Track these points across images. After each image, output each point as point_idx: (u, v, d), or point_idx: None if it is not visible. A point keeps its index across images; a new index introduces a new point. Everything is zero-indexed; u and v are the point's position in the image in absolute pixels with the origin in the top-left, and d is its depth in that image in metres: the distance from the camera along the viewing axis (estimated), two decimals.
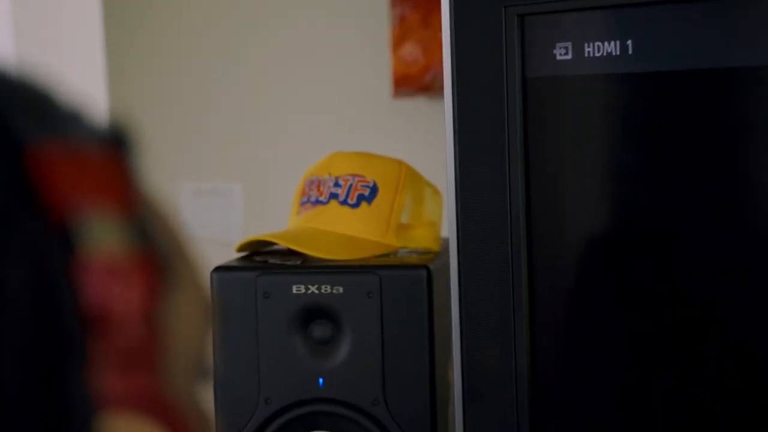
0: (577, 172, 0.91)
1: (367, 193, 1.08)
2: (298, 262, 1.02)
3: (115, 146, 0.37)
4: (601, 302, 0.90)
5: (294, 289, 0.98)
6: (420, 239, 1.09)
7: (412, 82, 1.68)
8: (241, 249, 1.08)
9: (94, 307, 0.34)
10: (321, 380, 0.98)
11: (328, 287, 0.97)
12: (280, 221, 1.16)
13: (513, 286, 0.89)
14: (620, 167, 0.90)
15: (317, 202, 1.09)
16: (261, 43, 1.86)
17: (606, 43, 0.87)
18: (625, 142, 0.91)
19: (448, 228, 0.92)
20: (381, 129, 1.74)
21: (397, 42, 1.68)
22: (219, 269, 1.00)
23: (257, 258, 1.05)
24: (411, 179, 1.12)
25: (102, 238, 0.34)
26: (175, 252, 0.38)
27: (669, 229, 0.87)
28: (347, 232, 1.07)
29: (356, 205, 1.08)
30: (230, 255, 1.08)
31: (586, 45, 0.87)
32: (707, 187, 0.85)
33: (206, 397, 0.40)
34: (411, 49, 1.66)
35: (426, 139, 1.60)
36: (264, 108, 1.87)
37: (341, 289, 0.97)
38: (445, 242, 0.98)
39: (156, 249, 0.36)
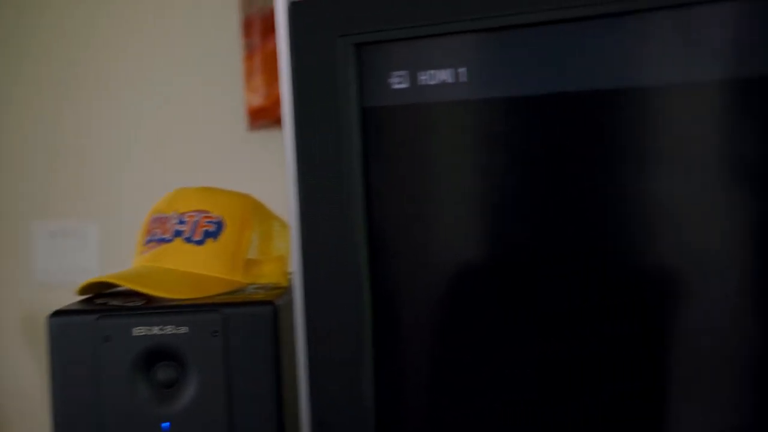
0: (418, 202, 0.91)
1: (212, 229, 1.06)
2: (141, 303, 0.98)
3: None
4: (446, 332, 0.89)
5: (136, 331, 0.94)
6: (268, 275, 1.07)
7: (267, 114, 1.66)
8: (82, 291, 1.05)
9: None
10: (167, 425, 0.94)
11: (172, 327, 0.95)
12: None
13: (358, 319, 0.88)
14: (460, 195, 0.90)
15: (161, 240, 1.06)
16: (114, 78, 1.82)
17: (440, 72, 0.86)
18: (464, 169, 0.90)
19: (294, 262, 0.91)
20: (237, 163, 1.71)
21: (251, 73, 1.66)
22: (57, 313, 0.96)
23: (98, 300, 1.01)
24: (258, 213, 1.10)
25: None
26: None
27: (513, 256, 0.87)
28: (193, 270, 1.04)
29: (202, 242, 1.05)
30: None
31: (421, 73, 0.87)
32: (549, 213, 0.85)
33: None
34: (264, 81, 1.65)
35: (281, 172, 1.58)
36: (118, 145, 1.83)
37: (185, 329, 0.95)
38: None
39: None
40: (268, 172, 1.61)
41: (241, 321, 0.95)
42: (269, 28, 1.65)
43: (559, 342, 0.85)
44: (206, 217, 1.06)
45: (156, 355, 0.95)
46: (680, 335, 0.81)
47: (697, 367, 0.80)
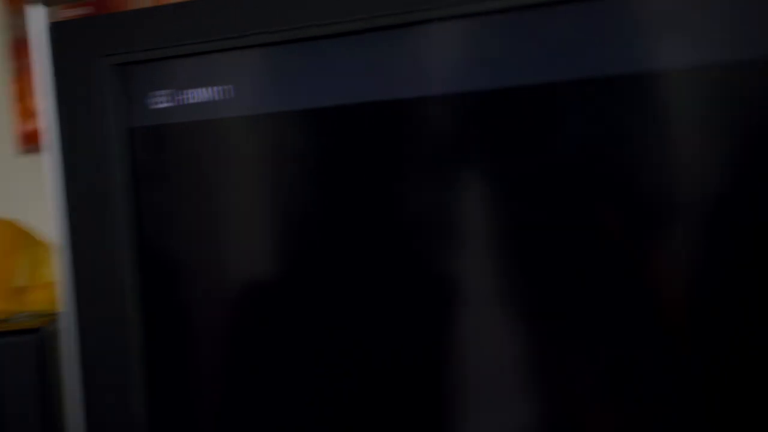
0: (191, 221, 0.90)
1: None
2: None
3: None
4: (225, 354, 0.88)
5: None
6: (38, 301, 1.04)
7: (39, 138, 1.61)
8: None
9: None
10: None
11: None
12: None
13: (128, 345, 0.86)
14: (229, 212, 0.90)
15: None
16: None
17: (204, 90, 0.86)
18: (235, 186, 0.90)
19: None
20: (8, 187, 1.65)
21: (22, 96, 1.61)
22: None
23: None
24: (26, 239, 1.06)
25: None
26: None
27: (282, 271, 0.88)
28: None
29: None
30: None
31: (185, 92, 0.87)
32: (322, 225, 0.86)
33: None
34: (35, 103, 1.60)
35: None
36: None
37: None
38: None
39: None
40: (40, 197, 1.56)
41: (6, 351, 0.91)
42: None
43: (346, 358, 0.86)
44: None
45: None
46: (462, 340, 0.83)
47: (476, 370, 0.83)
